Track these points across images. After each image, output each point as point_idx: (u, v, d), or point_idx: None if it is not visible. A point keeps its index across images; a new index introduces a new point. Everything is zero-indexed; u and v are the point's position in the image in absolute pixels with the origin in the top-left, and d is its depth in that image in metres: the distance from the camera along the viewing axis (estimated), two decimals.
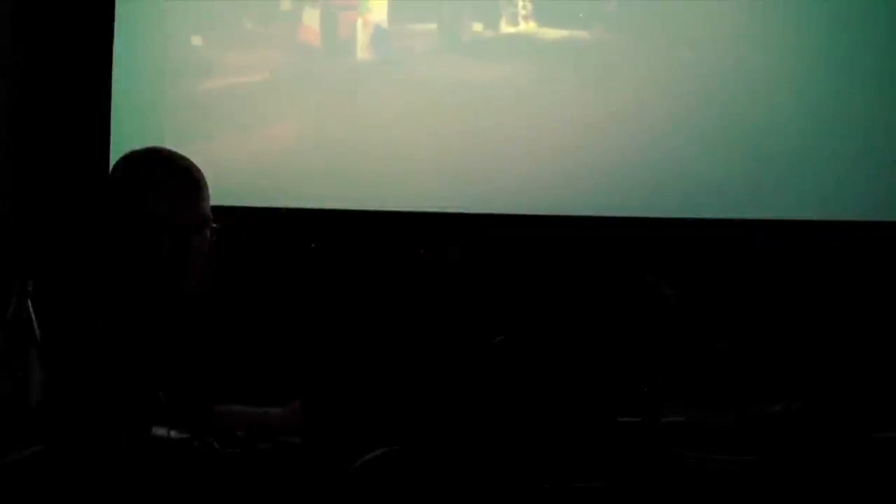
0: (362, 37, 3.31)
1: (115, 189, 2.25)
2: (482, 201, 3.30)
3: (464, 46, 3.30)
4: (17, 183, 3.24)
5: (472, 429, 1.90)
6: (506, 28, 3.29)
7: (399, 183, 3.30)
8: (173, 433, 1.83)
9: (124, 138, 3.14)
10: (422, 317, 3.15)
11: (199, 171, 2.28)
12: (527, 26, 3.29)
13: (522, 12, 3.28)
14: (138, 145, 2.34)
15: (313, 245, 3.25)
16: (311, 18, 3.30)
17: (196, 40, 3.29)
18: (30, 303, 1.95)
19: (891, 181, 3.30)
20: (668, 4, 3.28)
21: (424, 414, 1.92)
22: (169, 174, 2.24)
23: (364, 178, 3.29)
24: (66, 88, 3.24)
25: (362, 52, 3.30)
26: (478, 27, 3.30)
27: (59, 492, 1.72)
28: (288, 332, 3.05)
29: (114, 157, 3.07)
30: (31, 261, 2.90)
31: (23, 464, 1.74)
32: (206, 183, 2.28)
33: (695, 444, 1.96)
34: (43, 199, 3.23)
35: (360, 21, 3.30)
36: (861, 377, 2.94)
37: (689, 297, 3.15)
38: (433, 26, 3.30)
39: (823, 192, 3.31)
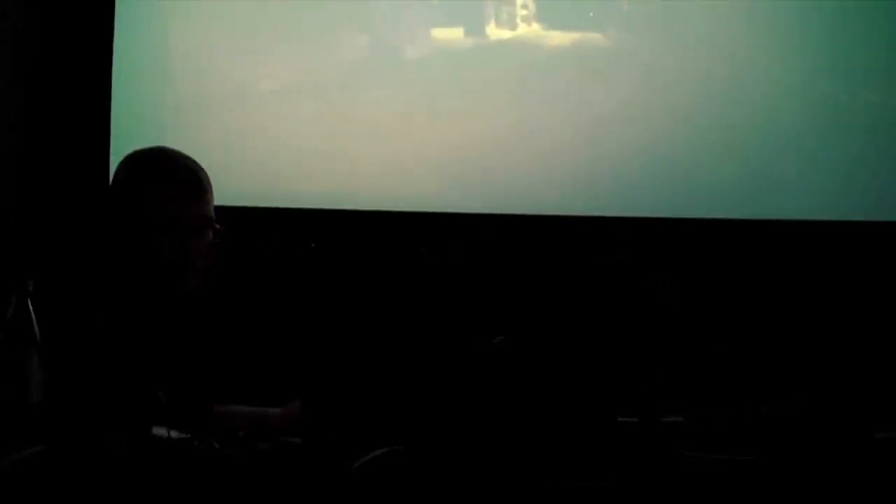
0: (362, 36, 3.31)
1: (117, 189, 2.25)
2: (482, 201, 3.30)
3: (464, 46, 3.30)
4: (18, 183, 3.24)
5: (472, 429, 1.90)
6: (505, 28, 3.29)
7: (399, 183, 3.30)
8: (173, 433, 1.83)
9: (124, 138, 3.13)
10: (422, 317, 3.15)
11: (203, 171, 2.28)
12: (526, 27, 3.29)
13: (522, 13, 3.28)
14: (138, 145, 2.34)
15: (313, 245, 3.25)
16: (312, 18, 3.30)
17: (196, 40, 3.29)
18: (30, 303, 1.95)
19: (891, 181, 3.30)
20: (668, 5, 3.28)
21: (425, 414, 1.92)
22: (172, 175, 2.24)
23: (364, 178, 3.29)
24: (65, 88, 3.24)
25: (363, 51, 3.30)
26: (478, 27, 3.30)
27: (59, 492, 1.73)
28: (288, 333, 3.05)
29: (114, 158, 3.09)
30: (31, 261, 2.91)
31: (23, 464, 1.74)
32: (210, 184, 2.27)
33: (695, 444, 1.96)
34: (43, 199, 3.23)
35: (361, 22, 3.30)
36: (861, 377, 2.95)
37: (689, 297, 3.15)
38: (435, 27, 3.30)
39: (824, 192, 3.30)
